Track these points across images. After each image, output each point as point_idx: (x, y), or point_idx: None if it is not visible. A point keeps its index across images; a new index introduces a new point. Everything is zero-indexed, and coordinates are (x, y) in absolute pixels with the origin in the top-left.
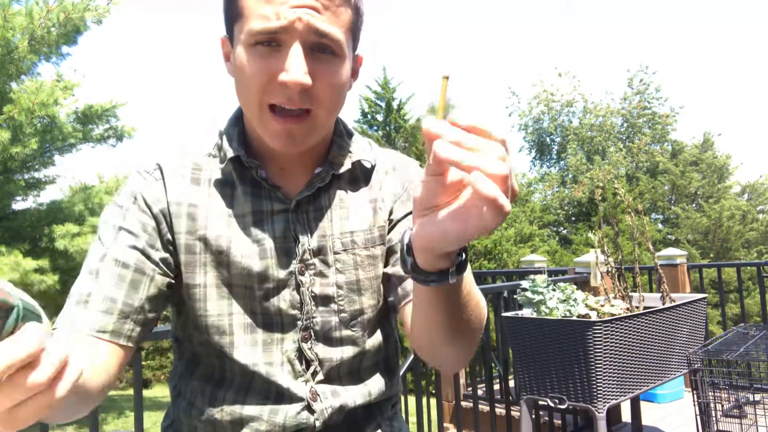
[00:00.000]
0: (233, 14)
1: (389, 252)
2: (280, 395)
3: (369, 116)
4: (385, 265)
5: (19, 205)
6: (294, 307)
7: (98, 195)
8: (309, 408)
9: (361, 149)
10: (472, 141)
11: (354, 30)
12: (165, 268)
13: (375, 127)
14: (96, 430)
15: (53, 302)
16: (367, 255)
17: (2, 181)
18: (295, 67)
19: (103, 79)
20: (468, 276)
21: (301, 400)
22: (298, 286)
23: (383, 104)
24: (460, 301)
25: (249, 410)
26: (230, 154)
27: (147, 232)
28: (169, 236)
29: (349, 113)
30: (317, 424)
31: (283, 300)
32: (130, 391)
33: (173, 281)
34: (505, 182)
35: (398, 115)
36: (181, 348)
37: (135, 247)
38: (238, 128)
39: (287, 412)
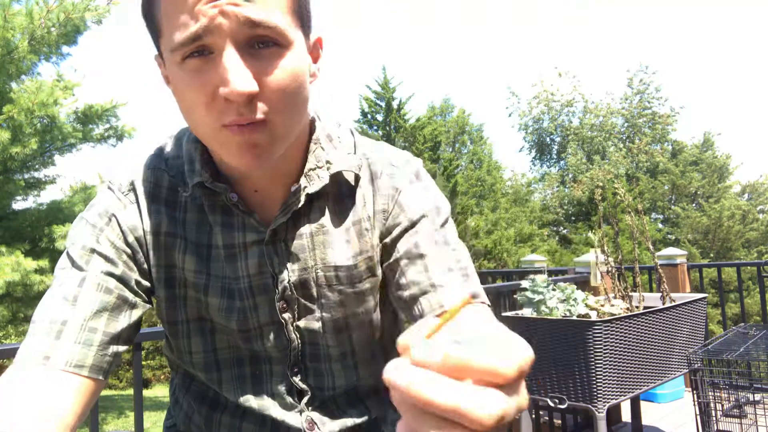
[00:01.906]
0: (154, 31)
1: (398, 272)
2: (276, 426)
3: (369, 116)
4: (391, 284)
5: (19, 205)
6: (279, 346)
7: None
8: None
9: (345, 153)
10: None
11: (298, 8)
12: (144, 295)
13: (375, 127)
14: (96, 430)
15: None
16: (353, 291)
17: (2, 181)
18: (234, 76)
19: (103, 79)
20: None
21: (298, 430)
22: (281, 324)
23: (383, 104)
24: None
25: None
26: (192, 179)
27: (122, 259)
28: (145, 266)
29: (349, 113)
30: None
31: (267, 339)
32: (130, 391)
33: (149, 305)
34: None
35: (398, 115)
36: (172, 364)
37: (112, 274)
38: (199, 145)
39: None
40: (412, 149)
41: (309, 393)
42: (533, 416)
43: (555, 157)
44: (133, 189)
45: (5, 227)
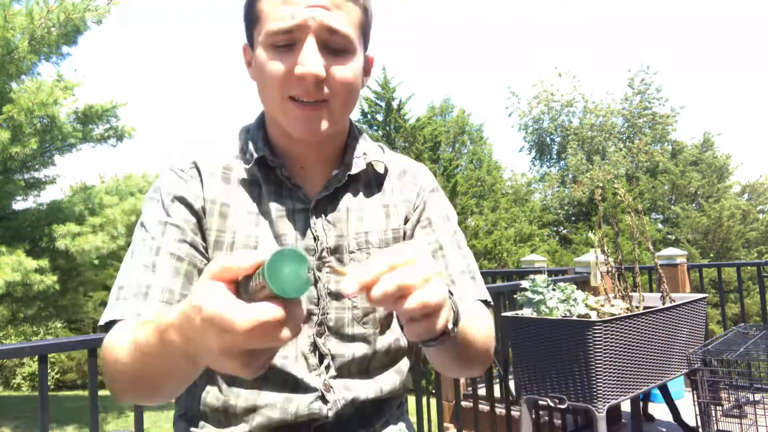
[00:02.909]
0: (252, 19)
1: None
2: (295, 385)
3: (369, 116)
4: None
5: (19, 205)
6: (311, 303)
7: (98, 195)
8: (323, 398)
9: (374, 150)
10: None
11: (363, 28)
12: (209, 261)
13: (375, 127)
14: (96, 430)
15: (53, 302)
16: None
17: (2, 181)
18: (309, 60)
19: (103, 79)
20: (464, 323)
21: (315, 390)
22: (315, 282)
23: (383, 104)
24: (460, 345)
25: (264, 397)
26: (256, 154)
27: (190, 227)
28: (208, 232)
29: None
30: (330, 414)
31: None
32: None
33: None
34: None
35: (398, 115)
36: None
37: (184, 241)
38: (261, 131)
39: (300, 402)
40: (412, 149)
41: (329, 357)
42: (533, 416)
43: (555, 157)
44: (196, 166)
45: (5, 227)
